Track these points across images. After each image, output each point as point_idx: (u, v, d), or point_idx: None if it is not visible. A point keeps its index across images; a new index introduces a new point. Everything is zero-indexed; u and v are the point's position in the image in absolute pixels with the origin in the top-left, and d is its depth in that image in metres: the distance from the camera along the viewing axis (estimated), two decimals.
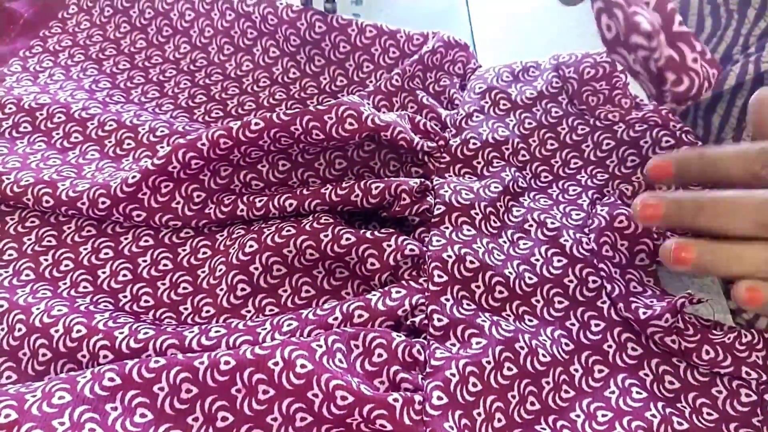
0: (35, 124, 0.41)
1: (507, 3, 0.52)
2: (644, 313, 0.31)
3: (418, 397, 0.27)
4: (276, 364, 0.27)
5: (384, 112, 0.38)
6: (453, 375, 0.29)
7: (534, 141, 0.40)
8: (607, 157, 0.39)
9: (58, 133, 0.40)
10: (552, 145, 0.40)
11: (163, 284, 0.35)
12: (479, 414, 0.29)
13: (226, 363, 0.28)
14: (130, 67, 0.46)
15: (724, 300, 0.35)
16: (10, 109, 0.41)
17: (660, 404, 0.30)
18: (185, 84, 0.44)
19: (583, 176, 0.39)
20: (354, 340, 0.29)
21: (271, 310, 0.34)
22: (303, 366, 0.27)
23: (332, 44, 0.44)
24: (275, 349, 0.28)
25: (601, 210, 0.35)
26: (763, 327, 0.34)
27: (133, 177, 0.34)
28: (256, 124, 0.34)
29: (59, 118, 0.41)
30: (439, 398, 0.28)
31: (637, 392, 0.30)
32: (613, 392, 0.31)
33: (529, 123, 0.40)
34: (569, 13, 0.51)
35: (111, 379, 0.27)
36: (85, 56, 0.46)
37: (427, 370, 0.29)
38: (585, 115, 0.40)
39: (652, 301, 0.32)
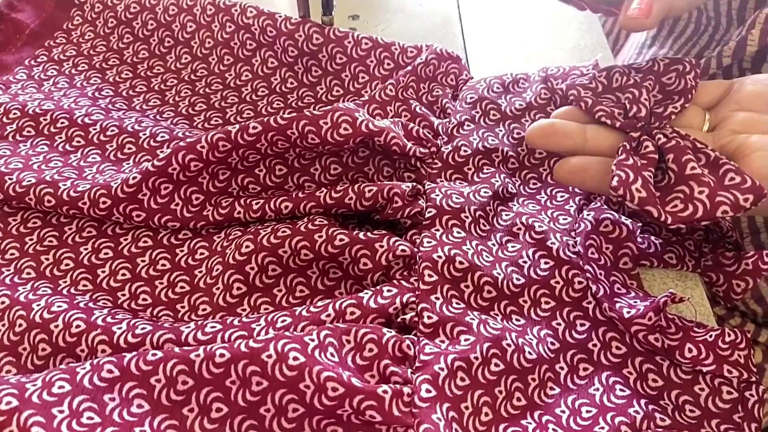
0: (38, 129, 0.42)
1: (499, 19, 0.54)
2: (628, 312, 0.32)
3: (407, 390, 0.28)
4: (269, 356, 0.28)
5: (378, 119, 0.39)
6: (441, 369, 0.29)
7: (523, 150, 0.41)
8: None
9: (60, 138, 0.41)
10: (540, 153, 0.41)
11: (161, 283, 0.35)
12: (467, 407, 0.29)
13: (221, 356, 0.28)
14: (133, 77, 0.47)
15: (708, 302, 0.36)
16: (14, 114, 0.42)
17: (643, 401, 0.31)
18: (186, 93, 0.46)
19: None
20: (346, 335, 0.30)
21: (265, 309, 0.34)
22: (295, 358, 0.28)
23: (329, 55, 0.45)
24: (269, 342, 0.28)
25: (588, 215, 0.36)
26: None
27: (134, 178, 0.35)
28: (254, 127, 0.36)
29: (62, 123, 0.42)
30: (428, 391, 0.29)
31: (621, 389, 0.31)
32: (597, 389, 0.31)
33: (518, 133, 0.42)
34: (559, 29, 0.53)
35: (110, 371, 0.28)
36: (89, 65, 0.47)
37: (417, 364, 0.30)
38: None
39: (635, 301, 0.33)
